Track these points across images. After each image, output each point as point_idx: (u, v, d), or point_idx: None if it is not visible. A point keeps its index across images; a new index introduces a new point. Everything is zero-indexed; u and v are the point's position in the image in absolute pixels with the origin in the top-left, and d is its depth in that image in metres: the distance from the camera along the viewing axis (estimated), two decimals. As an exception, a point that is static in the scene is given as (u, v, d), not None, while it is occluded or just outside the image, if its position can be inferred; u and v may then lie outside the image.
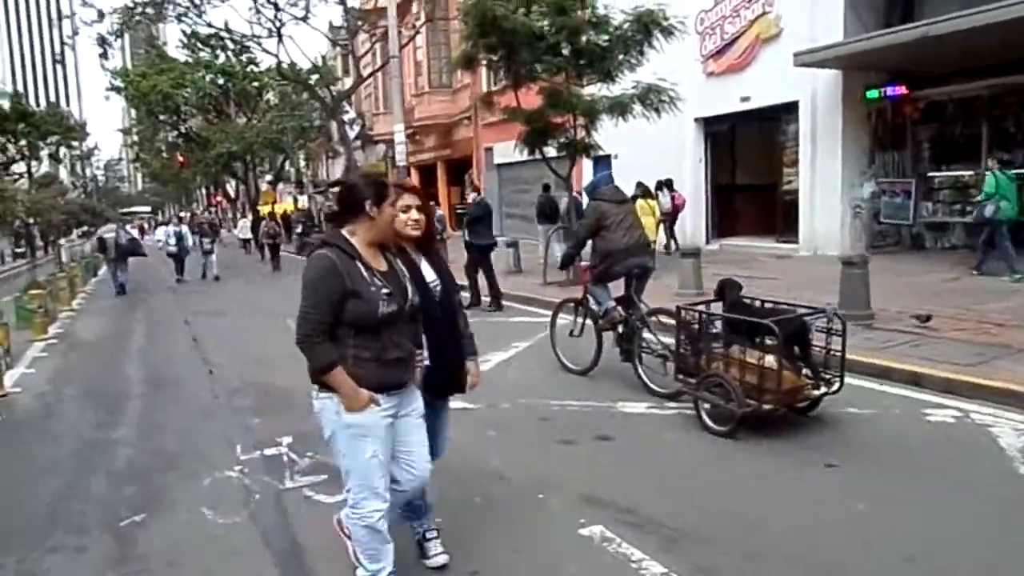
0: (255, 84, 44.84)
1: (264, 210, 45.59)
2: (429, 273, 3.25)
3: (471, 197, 13.52)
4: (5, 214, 8.60)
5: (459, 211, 30.52)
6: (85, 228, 23.23)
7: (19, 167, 44.10)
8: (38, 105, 55.34)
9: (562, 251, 16.55)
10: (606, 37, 12.78)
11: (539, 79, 13.38)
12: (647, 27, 12.47)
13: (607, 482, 4.33)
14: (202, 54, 43.78)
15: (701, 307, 5.56)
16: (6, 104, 44.53)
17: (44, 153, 48.18)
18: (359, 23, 26.63)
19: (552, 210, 16.58)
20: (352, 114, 41.37)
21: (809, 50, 13.57)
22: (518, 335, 8.93)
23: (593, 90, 13.52)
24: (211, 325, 11.40)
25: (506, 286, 12.94)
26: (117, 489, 4.63)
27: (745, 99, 16.08)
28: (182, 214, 35.93)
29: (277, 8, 22.53)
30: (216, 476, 4.70)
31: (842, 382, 5.10)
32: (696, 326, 5.46)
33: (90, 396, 7.12)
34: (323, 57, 30.29)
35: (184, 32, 43.80)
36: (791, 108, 15.32)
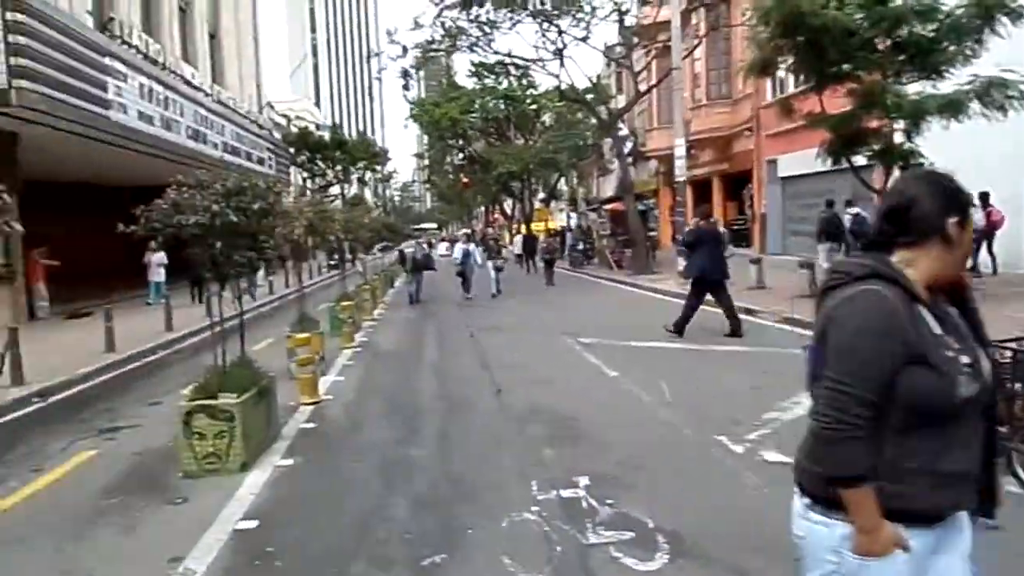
0: (534, 107, 46.90)
1: (537, 227, 47.39)
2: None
3: (693, 221, 12.43)
4: (327, 232, 9.56)
5: (735, 228, 28.96)
6: (385, 243, 25.61)
7: (335, 189, 50.50)
8: (350, 135, 63.18)
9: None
10: (933, 27, 10.97)
11: (848, 79, 11.88)
12: (988, 11, 10.48)
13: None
14: (487, 81, 46.85)
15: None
16: (327, 135, 51.42)
17: (354, 177, 54.71)
18: (636, 40, 26.44)
19: (836, 228, 14.86)
20: (625, 131, 41.35)
21: None
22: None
23: (917, 88, 11.66)
24: (495, 341, 11.57)
25: (802, 312, 11.57)
26: (419, 519, 4.47)
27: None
28: (469, 231, 38.40)
29: (560, 31, 22.97)
30: (514, 518, 4.34)
31: None
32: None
33: (390, 409, 7.34)
34: (598, 76, 30.66)
35: (472, 62, 47.46)
36: None
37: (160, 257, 18.81)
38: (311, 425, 6.72)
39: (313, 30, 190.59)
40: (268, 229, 5.66)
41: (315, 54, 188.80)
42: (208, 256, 5.41)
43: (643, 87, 26.29)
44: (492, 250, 20.30)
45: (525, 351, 10.39)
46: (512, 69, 43.00)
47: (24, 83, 13.23)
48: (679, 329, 10.63)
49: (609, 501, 4.50)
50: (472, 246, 20.23)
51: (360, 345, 11.71)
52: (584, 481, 4.85)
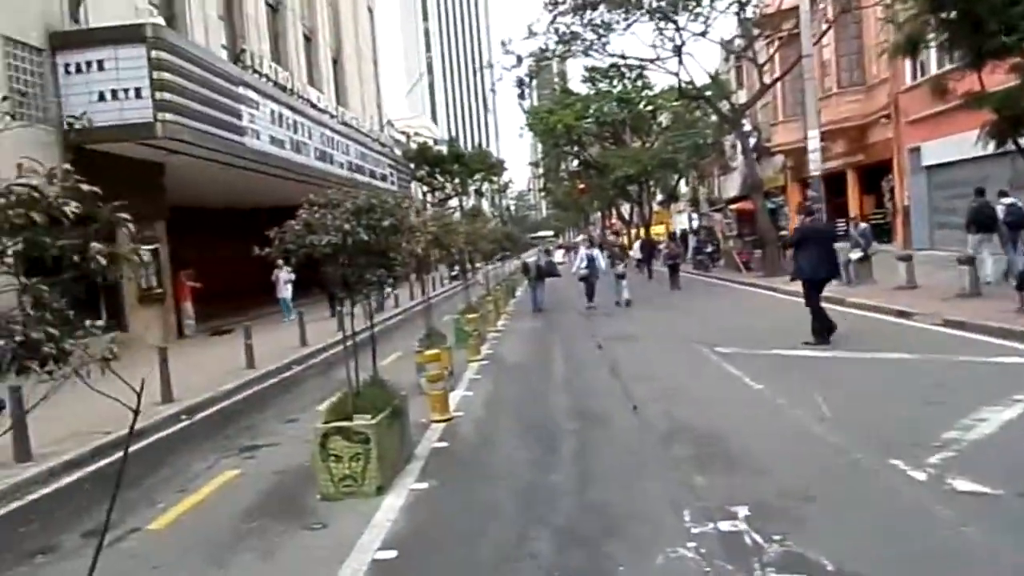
0: (650, 108, 45.96)
1: (656, 231, 46.27)
2: None
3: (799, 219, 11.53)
4: (450, 244, 9.55)
5: (874, 222, 27.02)
6: (504, 253, 25.66)
7: (453, 202, 51.45)
8: (467, 147, 64.33)
9: (995, 266, 13.24)
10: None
11: (1012, 53, 10.63)
12: None
13: None
14: (601, 85, 46.35)
15: None
16: (444, 149, 52.52)
17: (472, 188, 55.57)
18: (757, 31, 25.20)
19: (988, 218, 13.41)
20: (748, 126, 39.66)
21: None
22: (1014, 382, 6.80)
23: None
24: (624, 351, 11.13)
25: (966, 313, 10.44)
26: (564, 554, 4.13)
27: None
28: (589, 236, 37.82)
29: (678, 28, 22.21)
30: (669, 555, 3.92)
31: None
32: None
33: (523, 427, 7.07)
34: (716, 72, 29.59)
35: (585, 67, 47.07)
36: None
37: (287, 274, 19.19)
38: (443, 444, 6.56)
39: (428, 49, 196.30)
40: (397, 246, 5.53)
41: (430, 71, 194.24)
42: (340, 275, 5.34)
43: (767, 79, 25.04)
44: (615, 256, 19.66)
45: (658, 362, 9.89)
46: (626, 71, 42.40)
47: (168, 116, 14.06)
48: (821, 337, 9.82)
49: (776, 537, 3.99)
50: (596, 251, 19.25)
51: (486, 357, 11.57)
52: (743, 512, 4.36)
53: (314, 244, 4.91)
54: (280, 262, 5.05)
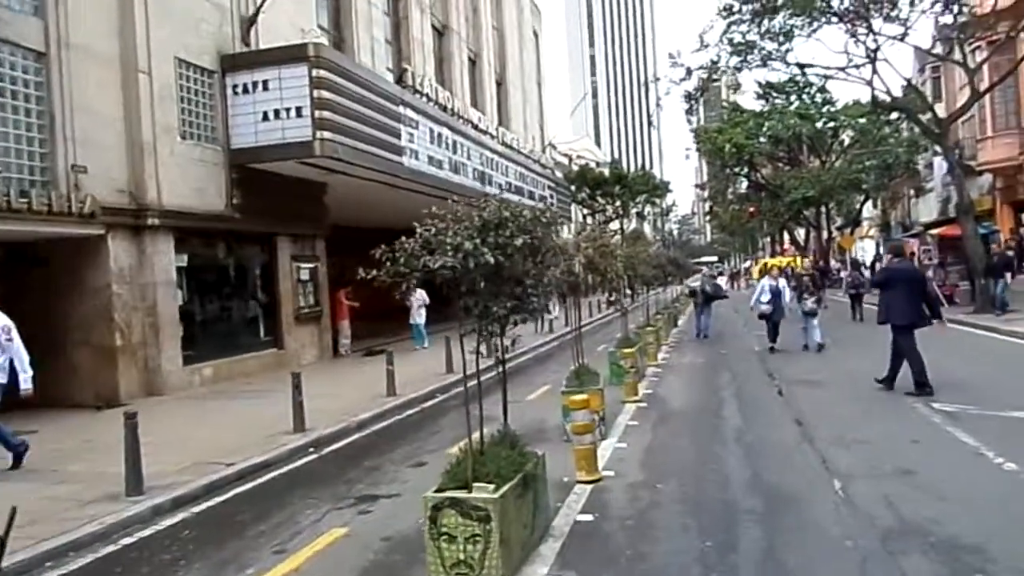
0: (831, 124, 42.38)
1: (790, 262, 42.10)
2: None
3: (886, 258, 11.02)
4: (607, 269, 8.41)
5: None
6: (668, 278, 24.00)
7: (614, 225, 50.13)
8: (629, 169, 62.75)
9: None
10: None
11: None
12: None
13: None
14: (777, 101, 43.33)
15: None
16: (606, 171, 51.39)
17: (633, 211, 53.97)
18: (961, 35, 21.99)
19: None
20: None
21: None
22: None
23: None
24: (811, 401, 9.31)
25: None
26: None
27: None
28: (783, 262, 34.82)
29: (872, 31, 19.70)
30: None
31: None
32: None
33: (689, 504, 5.61)
34: (908, 81, 26.36)
35: (759, 82, 44.22)
36: None
37: (420, 297, 17.26)
38: (588, 518, 5.29)
39: (593, 72, 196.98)
40: (537, 271, 4.40)
41: (595, 95, 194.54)
42: (463, 305, 4.30)
43: (979, 87, 21.70)
44: (803, 287, 15.77)
45: (858, 420, 8.03)
46: (805, 85, 39.23)
47: (326, 134, 13.95)
48: (920, 388, 8.80)
49: None
50: (783, 282, 15.88)
51: (645, 399, 10.16)
52: None
53: (428, 267, 3.90)
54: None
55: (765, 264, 69.11)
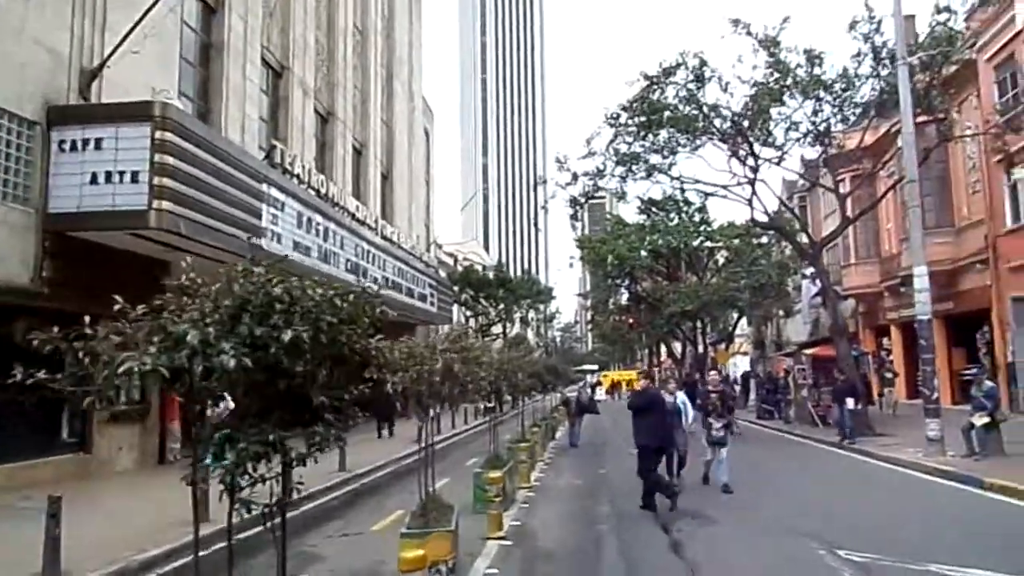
0: (707, 244, 43.97)
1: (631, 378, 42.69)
2: None
3: (642, 384, 11.72)
4: (470, 377, 7.14)
5: (964, 377, 23.68)
6: (547, 387, 22.94)
7: (497, 328, 49.23)
8: (515, 274, 62.81)
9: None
10: None
11: None
12: None
13: None
14: (657, 218, 44.65)
15: None
16: (491, 274, 50.95)
17: (517, 316, 53.43)
18: (832, 165, 23.16)
19: None
20: (811, 269, 37.10)
21: None
22: None
23: None
24: (710, 546, 7.94)
25: None
26: None
27: None
28: (628, 377, 34.57)
29: (753, 153, 20.17)
30: None
31: None
32: None
33: None
34: (780, 202, 27.70)
35: (640, 197, 45.55)
36: None
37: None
38: None
39: (485, 180, 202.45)
40: (335, 384, 2.92)
41: (486, 201, 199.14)
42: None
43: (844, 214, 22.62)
44: (713, 408, 11.64)
45: (759, 572, 6.76)
46: (683, 204, 40.64)
47: (165, 204, 12.13)
48: (646, 503, 9.67)
49: None
50: (681, 397, 11.73)
51: (510, 534, 8.55)
52: None
53: (130, 370, 2.36)
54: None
55: (612, 380, 69.94)
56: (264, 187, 15.74)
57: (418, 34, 40.70)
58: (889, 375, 20.17)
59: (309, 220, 18.23)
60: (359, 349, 3.11)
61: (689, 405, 11.73)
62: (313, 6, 24.93)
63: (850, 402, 17.83)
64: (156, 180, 12.06)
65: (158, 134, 12.15)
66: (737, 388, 28.70)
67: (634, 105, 19.36)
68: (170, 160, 12.26)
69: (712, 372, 13.47)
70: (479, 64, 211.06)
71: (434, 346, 5.70)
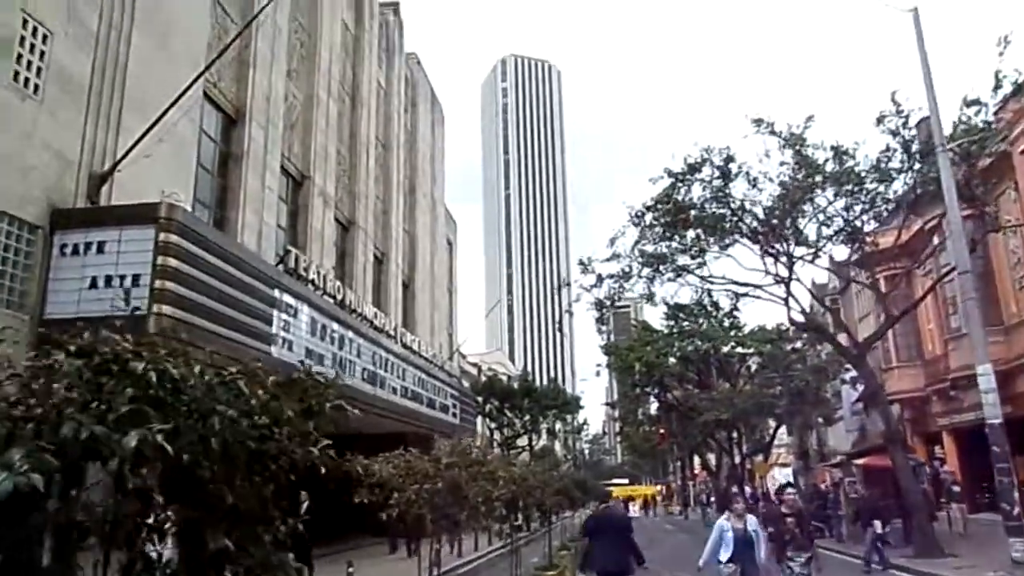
0: (738, 349, 42.60)
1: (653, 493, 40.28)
2: None
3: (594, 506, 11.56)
4: (478, 496, 6.21)
5: (1032, 492, 21.62)
6: (576, 502, 21.31)
7: (523, 440, 47.40)
8: (540, 382, 61.26)
9: None
10: None
11: None
12: None
13: None
14: (685, 324, 43.55)
15: None
16: (516, 383, 49.59)
17: (543, 427, 51.59)
18: (866, 265, 22.24)
19: None
20: (852, 372, 35.44)
21: None
22: None
23: None
24: None
25: None
26: None
27: None
28: (649, 492, 32.57)
29: (788, 253, 19.34)
30: None
31: None
32: None
33: None
34: (822, 302, 26.61)
35: (667, 303, 44.66)
36: None
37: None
38: None
39: (510, 292, 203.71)
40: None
41: (510, 312, 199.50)
42: None
43: (876, 315, 21.45)
44: (790, 536, 9.00)
45: None
46: (712, 309, 39.61)
47: (166, 308, 11.43)
48: None
49: None
50: (753, 523, 8.90)
51: None
52: None
53: None
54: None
55: (646, 497, 65.80)
56: (276, 293, 15.10)
57: (441, 146, 41.46)
58: (955, 488, 18.35)
59: (324, 327, 17.49)
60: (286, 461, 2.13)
61: (762, 534, 8.77)
62: (335, 119, 25.28)
63: (877, 525, 16.15)
64: (158, 283, 11.42)
65: (163, 236, 11.63)
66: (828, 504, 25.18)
67: (659, 205, 18.80)
68: (173, 262, 11.66)
69: (789, 490, 9.98)
70: (503, 179, 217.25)
71: (438, 459, 4.67)
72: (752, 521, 8.82)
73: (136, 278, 11.44)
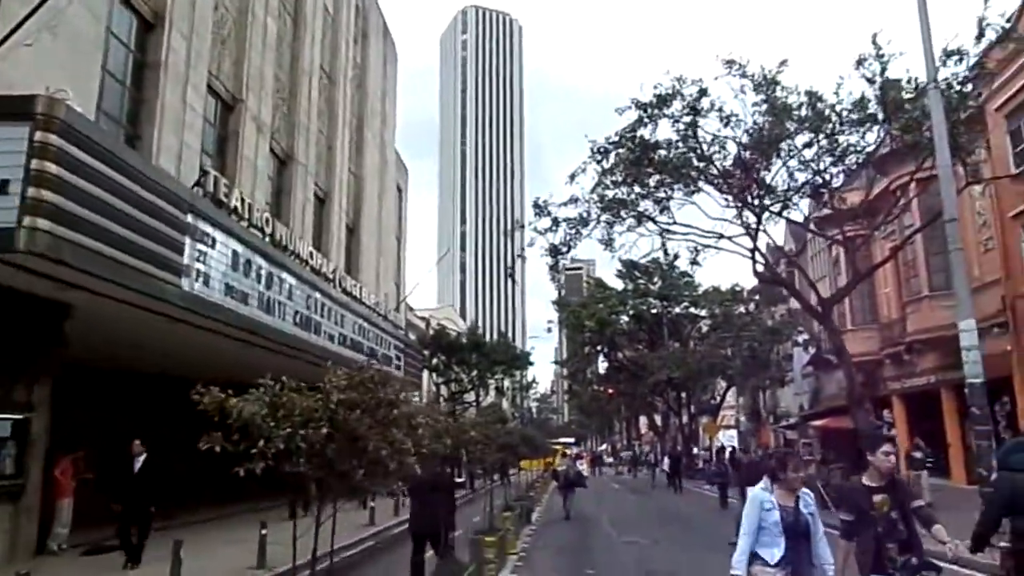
0: (692, 309, 41.97)
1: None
2: None
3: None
4: (397, 446, 5.13)
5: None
6: (519, 469, 20.23)
7: (470, 396, 46.25)
8: (489, 338, 59.93)
9: None
10: None
11: None
12: None
13: None
14: (640, 282, 42.72)
15: None
16: (464, 338, 48.21)
17: (491, 383, 50.48)
18: (826, 226, 21.29)
19: None
20: (805, 335, 35.05)
21: None
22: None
23: None
24: None
25: None
26: None
27: None
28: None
29: (760, 198, 18.14)
30: None
31: None
32: None
33: None
34: (790, 259, 25.92)
35: (621, 261, 43.64)
36: None
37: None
38: None
39: (463, 248, 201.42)
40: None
41: (463, 270, 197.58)
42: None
43: (838, 275, 20.62)
44: (888, 527, 5.05)
45: None
46: (665, 266, 38.67)
47: (42, 223, 9.53)
48: None
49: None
50: (811, 505, 5.08)
51: None
52: None
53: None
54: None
55: (592, 455, 64.62)
56: (189, 217, 13.18)
57: (393, 86, 39.13)
58: (919, 454, 17.67)
59: (248, 262, 15.63)
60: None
61: (818, 519, 5.15)
62: (274, 40, 23.01)
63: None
64: (32, 192, 9.49)
65: (39, 135, 9.65)
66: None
67: (623, 139, 17.30)
68: (54, 169, 9.71)
69: (886, 445, 5.33)
70: (459, 134, 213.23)
71: (328, 393, 3.16)
72: (808, 498, 5.19)
73: (5, 184, 9.50)
